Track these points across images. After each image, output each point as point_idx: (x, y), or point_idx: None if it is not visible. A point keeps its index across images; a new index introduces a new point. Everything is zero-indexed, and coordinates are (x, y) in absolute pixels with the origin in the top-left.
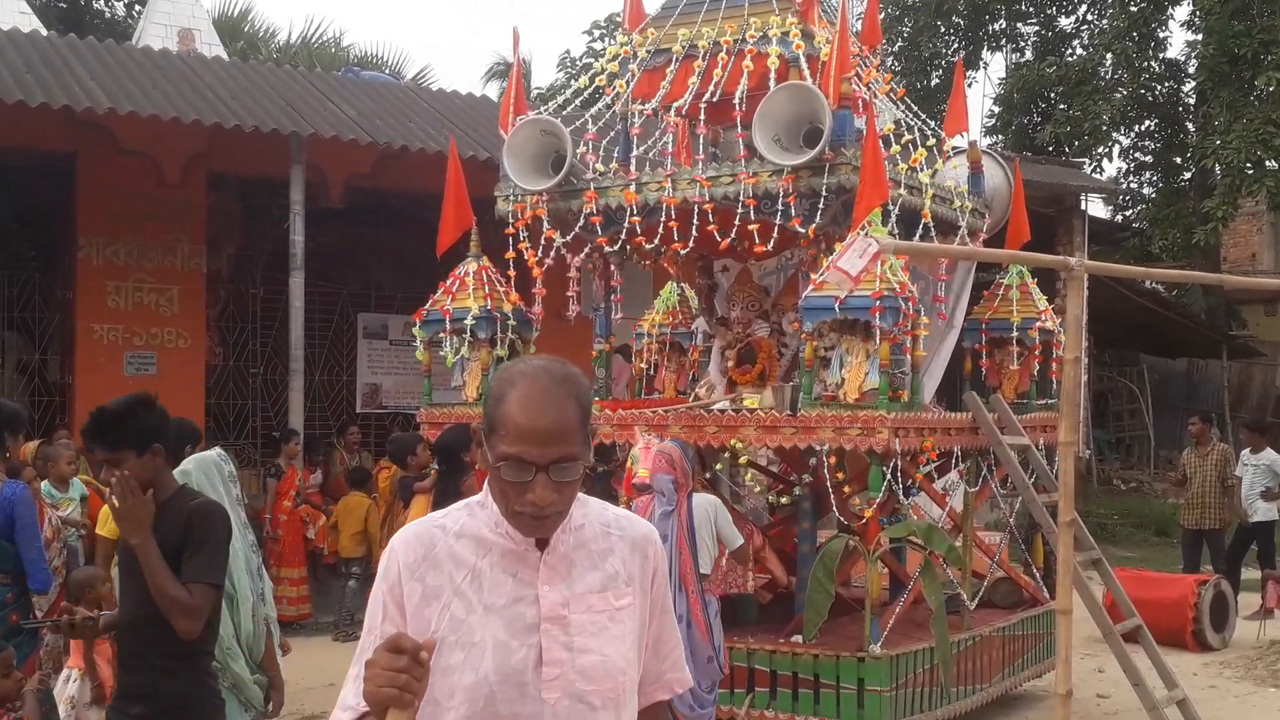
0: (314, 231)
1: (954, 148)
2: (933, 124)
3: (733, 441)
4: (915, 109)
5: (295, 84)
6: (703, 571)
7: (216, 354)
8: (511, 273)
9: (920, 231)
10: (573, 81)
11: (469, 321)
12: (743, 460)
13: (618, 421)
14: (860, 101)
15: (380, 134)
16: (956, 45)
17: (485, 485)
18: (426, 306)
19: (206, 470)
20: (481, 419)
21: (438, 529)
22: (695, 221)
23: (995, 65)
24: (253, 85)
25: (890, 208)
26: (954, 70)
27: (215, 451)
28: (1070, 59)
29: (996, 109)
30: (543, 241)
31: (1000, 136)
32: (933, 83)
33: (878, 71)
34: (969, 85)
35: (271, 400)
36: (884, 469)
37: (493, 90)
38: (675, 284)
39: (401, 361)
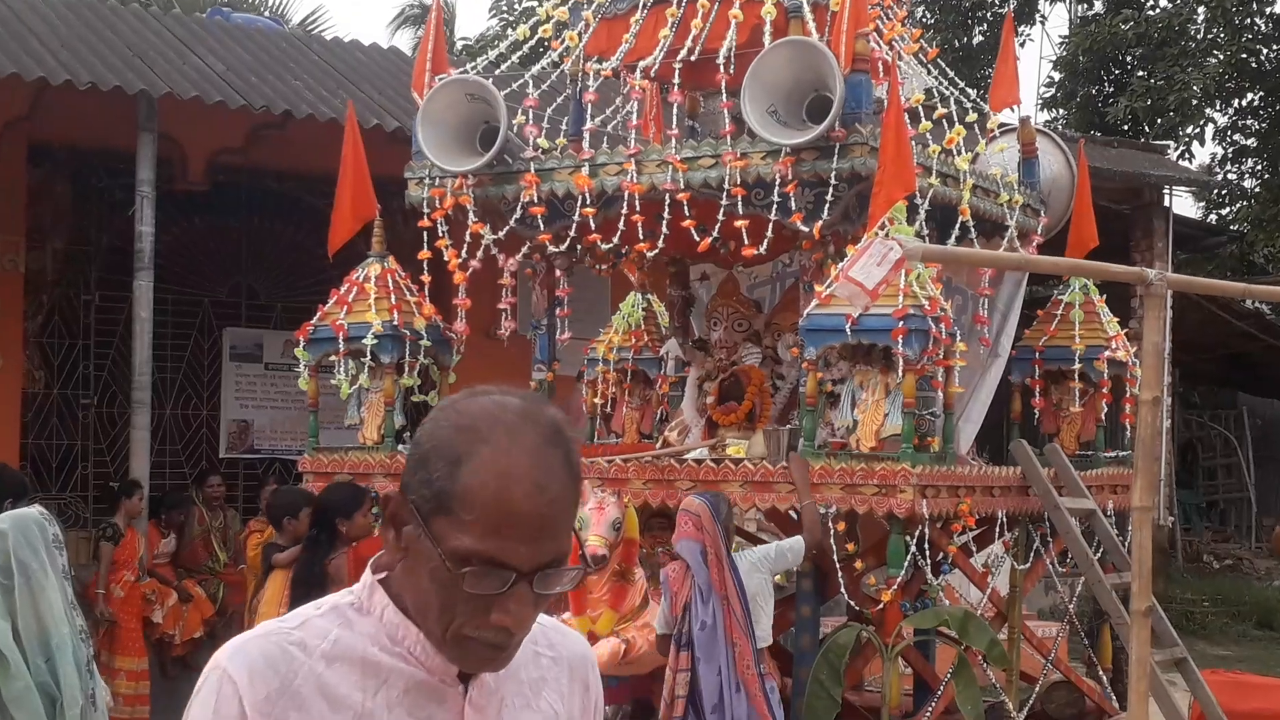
0: (168, 222)
1: (1001, 125)
2: (974, 94)
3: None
4: (952, 74)
5: (145, 29)
6: (762, 645)
7: (36, 379)
8: (426, 278)
9: (957, 233)
10: (509, 31)
11: (369, 341)
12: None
13: None
14: (881, 64)
15: (256, 95)
16: None
17: (366, 577)
18: (314, 321)
19: (26, 532)
20: (402, 480)
21: (295, 647)
22: (666, 215)
23: (1056, 19)
24: (90, 31)
25: (918, 201)
26: (1002, 25)
27: (36, 509)
28: (1152, 13)
29: (1056, 75)
30: (468, 238)
31: (1061, 111)
32: (975, 40)
33: (904, 26)
34: (1021, 45)
35: (108, 441)
36: (907, 538)
37: (404, 40)
38: (640, 295)
39: (280, 392)
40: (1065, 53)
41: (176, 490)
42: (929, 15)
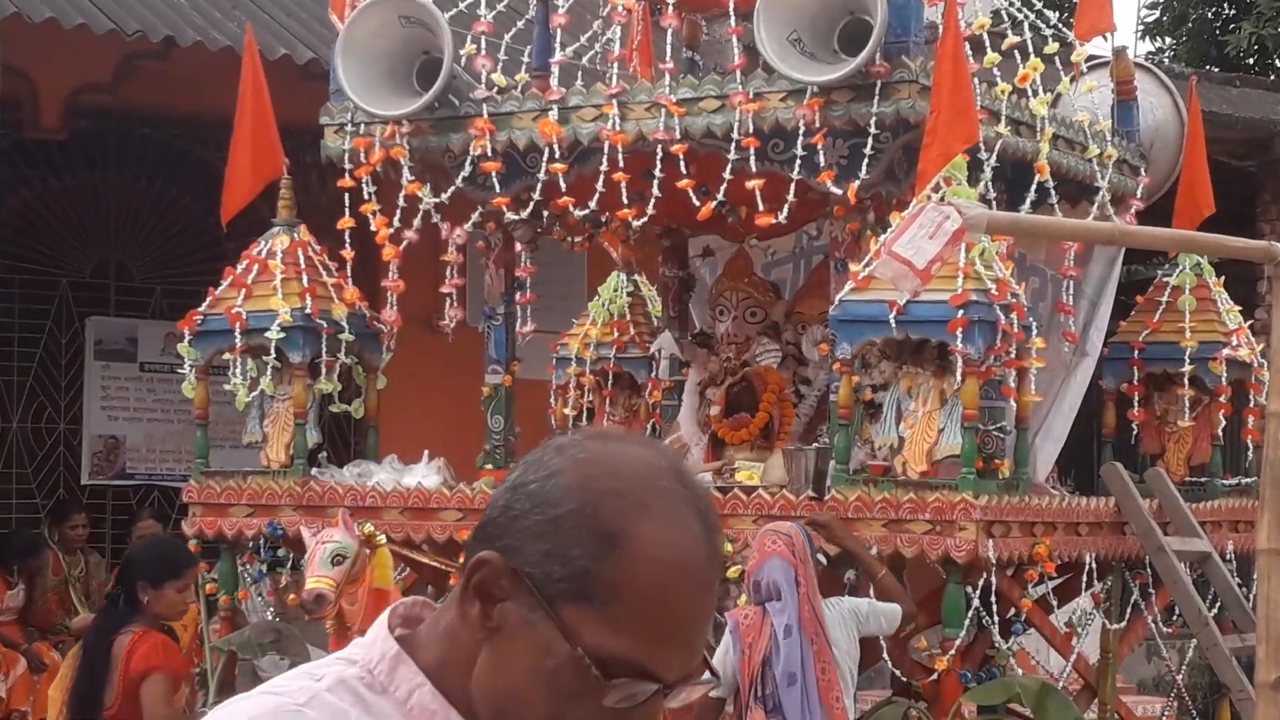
0: (15, 181)
1: (1090, 59)
2: (1055, 18)
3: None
4: None
5: None
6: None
7: None
8: (348, 254)
9: (1033, 196)
10: None
11: (274, 334)
12: (731, 573)
13: None
14: None
15: (129, 17)
16: None
17: (379, 640)
18: (203, 308)
19: None
20: (505, 541)
21: None
22: (658, 173)
23: None
24: None
25: (983, 155)
26: None
27: None
28: None
29: None
30: (402, 202)
31: (1168, 41)
32: None
33: None
34: None
35: None
36: (968, 590)
37: None
38: (624, 276)
39: (159, 400)
40: None
41: (26, 529)
42: None
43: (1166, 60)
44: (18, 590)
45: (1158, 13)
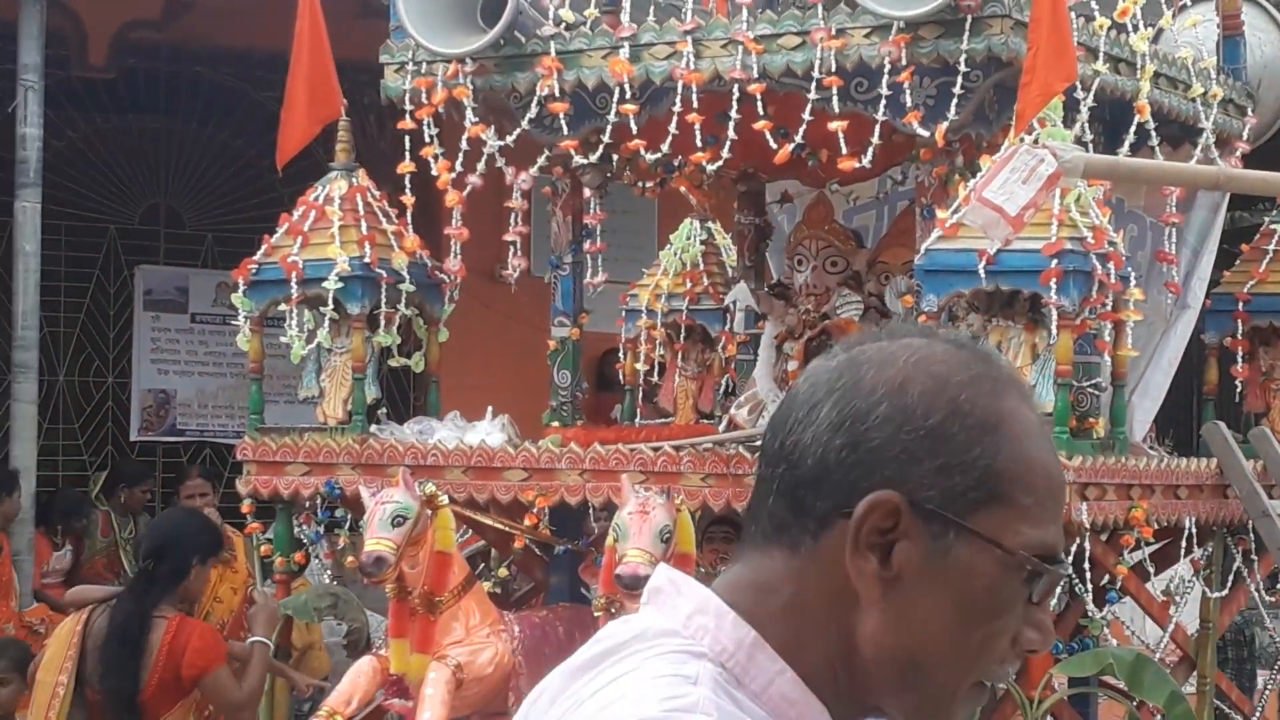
0: (62, 122)
1: None
2: None
3: None
4: None
5: None
6: None
7: None
8: (408, 199)
9: (1133, 138)
10: None
11: (332, 284)
12: None
13: (592, 465)
14: None
15: None
16: None
17: (730, 626)
18: (258, 257)
19: None
20: (883, 476)
21: None
22: (735, 114)
23: None
24: None
25: (1080, 95)
26: None
27: None
28: None
29: None
30: (464, 145)
31: None
32: None
33: None
34: None
35: None
36: (1066, 572)
37: None
38: (697, 224)
39: (211, 353)
40: None
41: (71, 488)
42: None
43: None
44: (65, 552)
45: None
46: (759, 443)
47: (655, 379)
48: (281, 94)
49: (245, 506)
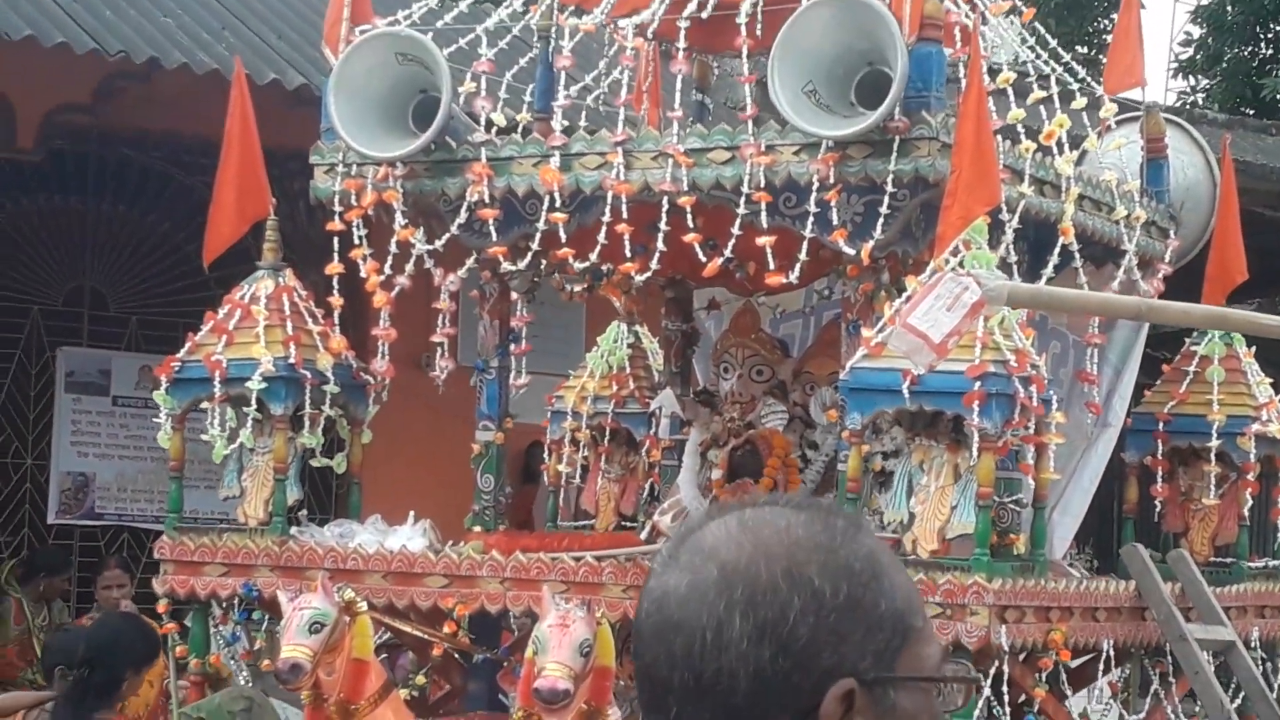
0: None
1: (1120, 113)
2: (1083, 70)
3: None
4: (1053, 43)
5: None
6: None
7: None
8: (336, 301)
9: (1056, 259)
10: None
11: (255, 384)
12: None
13: (513, 573)
14: (958, 29)
15: (112, 36)
16: None
17: None
18: (181, 353)
19: None
20: (825, 666)
21: None
22: (664, 225)
23: None
24: None
25: (1005, 217)
26: None
27: None
28: None
29: (1195, 32)
30: (393, 248)
31: (1202, 80)
32: None
33: None
34: None
35: None
36: (980, 677)
37: None
38: (624, 327)
39: (132, 436)
40: (1209, 1)
41: None
42: None
43: (1199, 101)
44: None
45: (1191, 50)
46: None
47: (579, 481)
48: (210, 178)
49: (161, 606)
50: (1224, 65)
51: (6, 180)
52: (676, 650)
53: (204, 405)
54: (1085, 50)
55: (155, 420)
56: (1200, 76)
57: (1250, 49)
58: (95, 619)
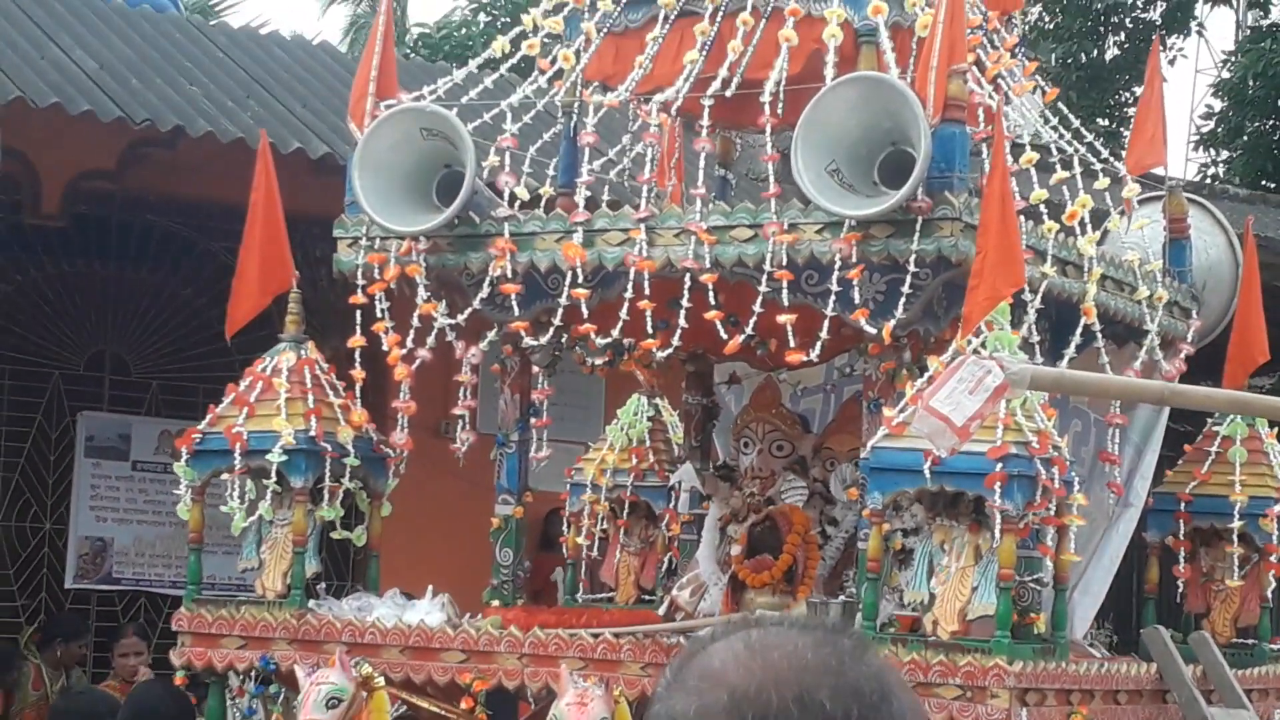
0: (10, 267)
1: (1143, 192)
2: (1104, 147)
3: None
4: (1075, 120)
5: None
6: None
7: None
8: (358, 374)
9: (1078, 339)
10: (479, 19)
11: (275, 457)
12: None
13: (531, 649)
14: (982, 109)
15: (137, 104)
16: None
17: None
18: (202, 425)
19: None
20: None
21: None
22: (685, 302)
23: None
24: None
25: (1028, 296)
26: (1143, 37)
27: None
28: None
29: (1216, 106)
30: (415, 321)
31: (1223, 153)
32: (1108, 54)
33: (1015, 56)
34: (1170, 63)
35: None
36: None
37: (337, 21)
38: (644, 400)
39: (151, 501)
40: (1230, 75)
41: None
42: (1046, 19)
43: (1220, 174)
44: None
45: (1212, 124)
46: (698, 631)
47: (597, 554)
48: (232, 244)
49: (179, 679)
50: (1245, 139)
51: (31, 245)
52: None
53: (224, 476)
54: (1107, 123)
55: (174, 487)
56: (1221, 149)
57: (1271, 123)
58: (139, 684)
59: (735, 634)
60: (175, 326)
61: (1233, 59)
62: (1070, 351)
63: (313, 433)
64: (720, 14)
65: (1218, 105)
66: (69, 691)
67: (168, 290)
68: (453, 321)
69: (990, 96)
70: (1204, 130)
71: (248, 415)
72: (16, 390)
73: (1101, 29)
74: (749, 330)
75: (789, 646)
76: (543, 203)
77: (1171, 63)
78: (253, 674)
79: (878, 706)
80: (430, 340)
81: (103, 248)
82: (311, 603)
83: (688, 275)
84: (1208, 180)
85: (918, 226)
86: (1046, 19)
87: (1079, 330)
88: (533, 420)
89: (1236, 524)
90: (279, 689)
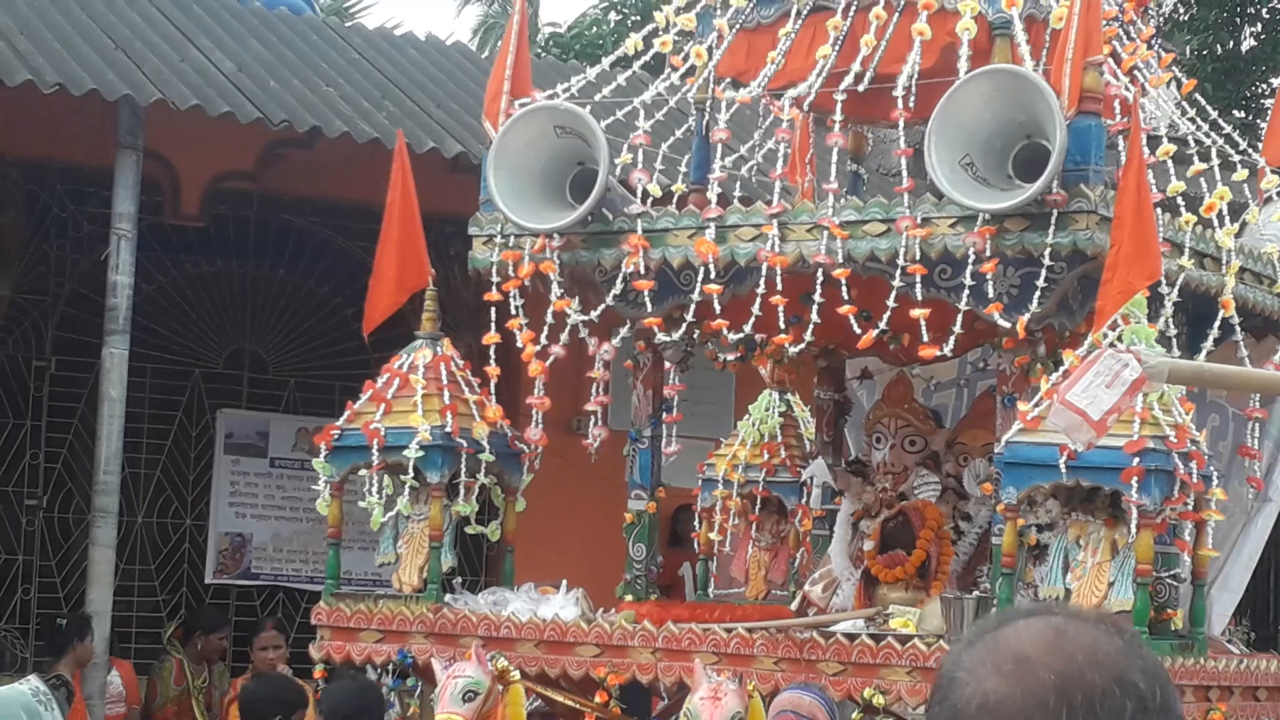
0: (152, 267)
1: None
2: (1241, 138)
3: (866, 691)
4: (1213, 111)
5: (132, 13)
6: None
7: None
8: (493, 371)
9: (1216, 333)
10: (610, 18)
11: (412, 452)
12: None
13: (665, 644)
14: (1118, 101)
15: (275, 105)
16: None
17: None
18: (340, 422)
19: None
20: None
21: None
22: (818, 297)
23: None
24: (61, 14)
25: (1164, 290)
26: None
27: (28, 687)
28: None
29: None
30: (549, 318)
31: None
32: (1244, 46)
33: (1151, 47)
34: None
35: (58, 556)
36: None
37: (470, 20)
38: (776, 395)
39: (289, 497)
40: None
41: (145, 630)
42: (1182, 10)
43: None
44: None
45: None
46: (832, 627)
47: (729, 549)
48: (369, 243)
49: (318, 672)
50: None
51: (171, 245)
52: None
53: (361, 472)
54: (1243, 115)
55: (312, 483)
56: None
57: None
58: (347, 680)
59: (1024, 620)
60: (313, 325)
61: None
62: (1208, 345)
63: (448, 429)
64: (853, 8)
65: None
66: (261, 676)
67: (305, 289)
68: (586, 318)
69: (1126, 88)
70: None
71: (385, 412)
72: (158, 389)
73: (1238, 20)
74: (882, 325)
75: (1087, 634)
76: (675, 199)
77: None
78: (390, 667)
79: (1169, 689)
80: (564, 336)
81: (241, 247)
82: (448, 597)
83: (820, 270)
84: None
85: (1053, 220)
86: (1182, 10)
87: (1217, 323)
88: (665, 416)
89: None
90: (416, 682)
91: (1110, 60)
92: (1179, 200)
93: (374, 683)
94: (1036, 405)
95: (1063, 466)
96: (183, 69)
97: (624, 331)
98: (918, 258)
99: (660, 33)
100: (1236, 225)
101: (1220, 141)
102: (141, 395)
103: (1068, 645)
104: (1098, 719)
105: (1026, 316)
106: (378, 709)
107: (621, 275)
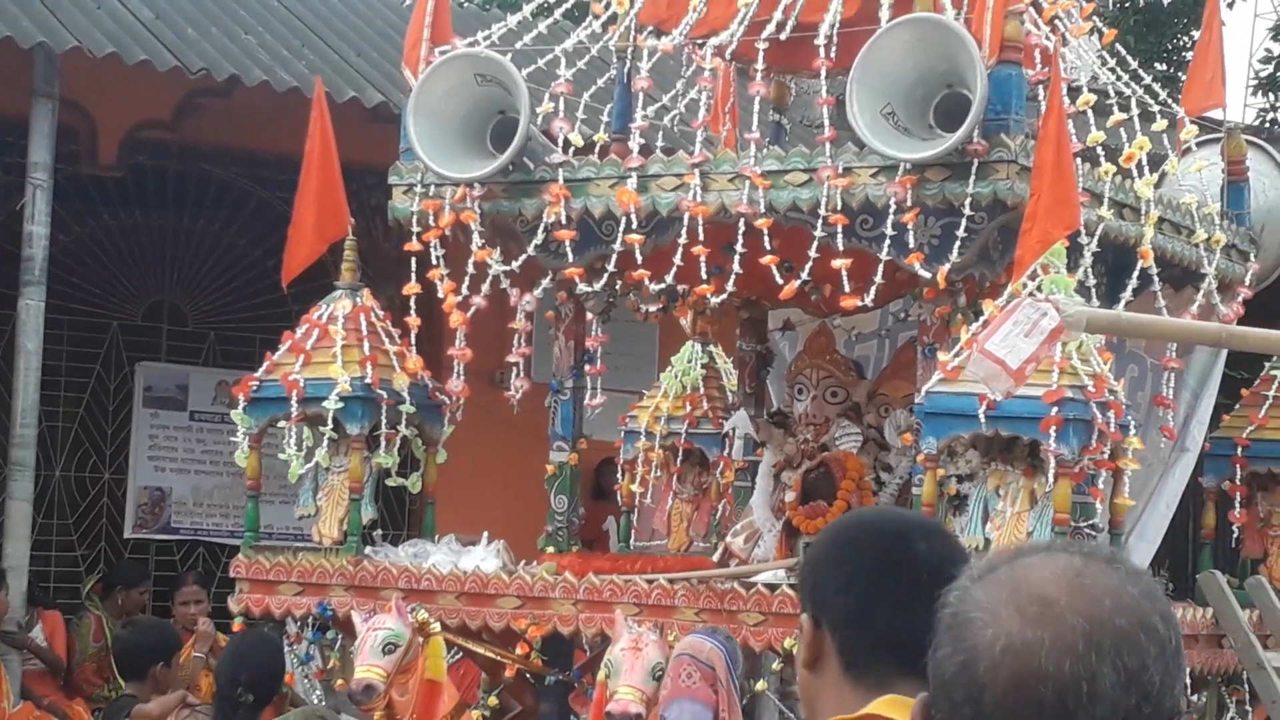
0: (68, 218)
1: (1200, 132)
2: (1162, 89)
3: (788, 642)
4: (1133, 61)
5: None
6: None
7: None
8: (413, 321)
9: (1135, 283)
10: None
11: (331, 404)
12: None
13: (586, 595)
14: (1039, 51)
15: (194, 53)
16: None
17: None
18: (259, 373)
19: None
20: None
21: None
22: (740, 247)
23: None
24: None
25: (1083, 240)
26: None
27: None
28: None
29: (1275, 49)
30: (470, 268)
31: None
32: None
33: None
34: (1229, 5)
35: None
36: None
37: None
38: (698, 347)
39: (209, 451)
40: None
41: (62, 587)
42: None
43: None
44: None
45: (1271, 67)
46: (753, 578)
47: (650, 501)
48: (289, 194)
49: (236, 625)
50: None
51: (88, 196)
52: (1046, 700)
53: (280, 424)
54: (1164, 68)
55: (231, 436)
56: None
57: None
58: (245, 640)
59: (1038, 557)
60: (232, 276)
61: None
62: (1127, 295)
63: (369, 380)
64: None
65: (1277, 49)
66: (134, 621)
67: (224, 240)
68: (507, 268)
69: (1047, 38)
70: (1263, 74)
71: (304, 363)
72: (75, 341)
73: None
74: (803, 275)
75: (1107, 576)
76: (597, 149)
77: (1230, 6)
78: (310, 620)
79: (1179, 633)
80: (485, 287)
81: (160, 198)
82: (368, 549)
83: (742, 220)
84: (1267, 125)
85: (973, 170)
86: None
87: (1136, 273)
88: (587, 367)
89: None
90: (336, 635)
91: (1031, 9)
92: (1099, 150)
93: (273, 635)
94: (956, 355)
95: (982, 416)
96: (99, 16)
97: (545, 282)
98: (839, 208)
99: None
100: (1156, 176)
101: (1140, 92)
102: (59, 348)
103: (1092, 588)
104: (1125, 663)
105: (947, 266)
106: (277, 663)
107: (543, 225)
